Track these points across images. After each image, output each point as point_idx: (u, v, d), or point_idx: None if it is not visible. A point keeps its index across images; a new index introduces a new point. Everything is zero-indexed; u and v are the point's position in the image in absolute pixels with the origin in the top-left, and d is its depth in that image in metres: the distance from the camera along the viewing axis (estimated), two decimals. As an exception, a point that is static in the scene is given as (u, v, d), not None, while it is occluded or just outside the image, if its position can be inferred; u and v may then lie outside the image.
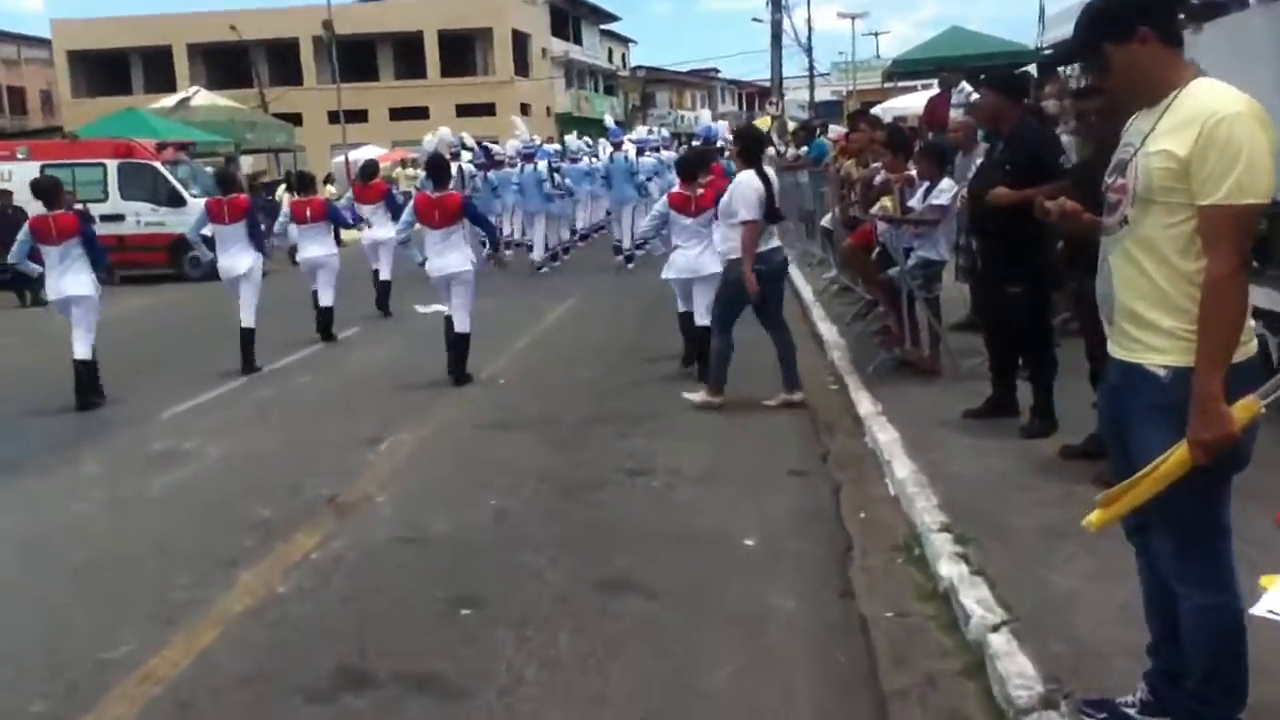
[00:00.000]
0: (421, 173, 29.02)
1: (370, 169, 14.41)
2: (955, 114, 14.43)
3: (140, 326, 13.59)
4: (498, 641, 4.10)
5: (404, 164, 31.62)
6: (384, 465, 6.60)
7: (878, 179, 8.01)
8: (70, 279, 8.48)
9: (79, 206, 17.26)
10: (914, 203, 7.59)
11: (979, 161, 7.53)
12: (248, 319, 9.74)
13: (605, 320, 12.20)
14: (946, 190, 7.31)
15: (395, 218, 11.30)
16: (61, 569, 5.09)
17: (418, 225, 8.81)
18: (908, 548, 4.92)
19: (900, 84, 27.40)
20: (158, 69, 49.98)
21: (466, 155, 18.69)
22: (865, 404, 7.07)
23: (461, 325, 8.78)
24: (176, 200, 18.78)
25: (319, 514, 5.72)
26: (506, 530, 5.37)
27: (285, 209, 13.17)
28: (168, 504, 6.05)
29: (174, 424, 7.92)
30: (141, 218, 19.18)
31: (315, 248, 11.41)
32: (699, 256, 8.29)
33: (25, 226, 8.72)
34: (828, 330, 9.78)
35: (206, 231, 10.25)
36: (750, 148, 7.65)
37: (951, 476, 5.51)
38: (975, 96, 16.05)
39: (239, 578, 4.84)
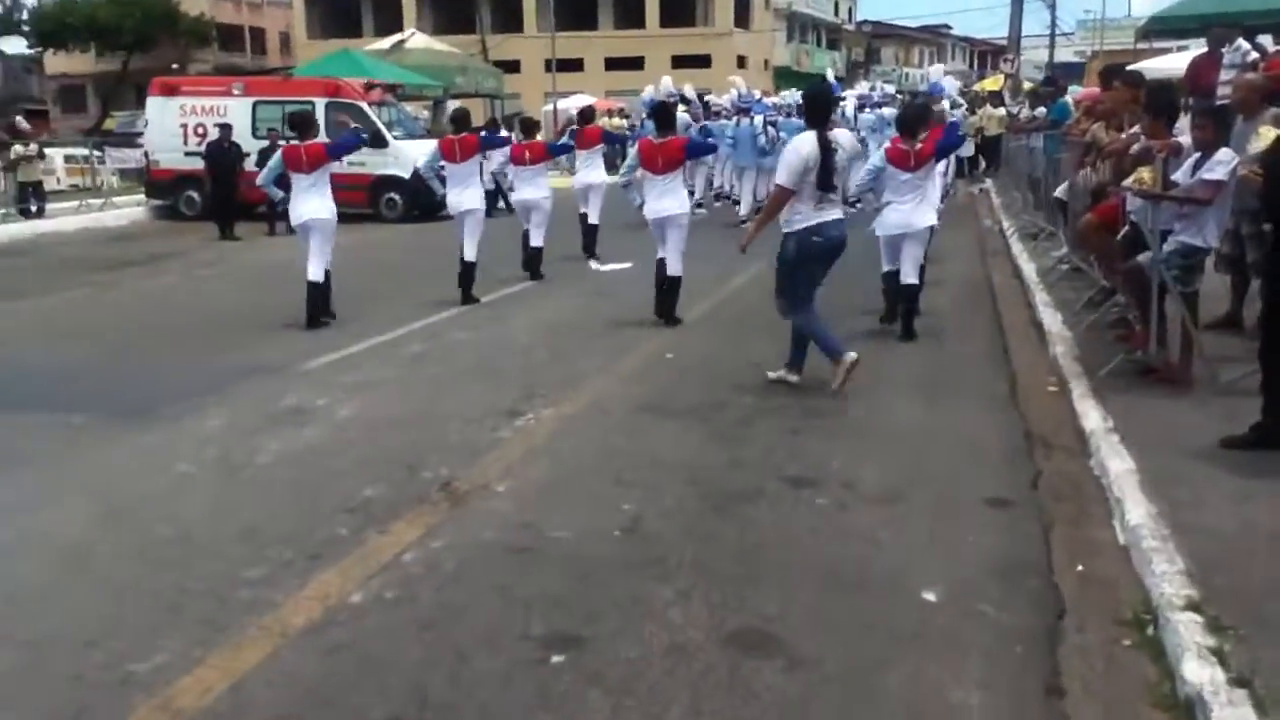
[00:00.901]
0: (624, 122, 28.48)
1: (588, 114, 14.77)
2: (1225, 76, 12.49)
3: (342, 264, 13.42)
4: (587, 707, 3.23)
5: (610, 114, 31.07)
6: (515, 447, 5.81)
7: (1135, 146, 6.55)
8: (315, 204, 9.03)
9: (228, 142, 17.61)
10: (1179, 176, 6.14)
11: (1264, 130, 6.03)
12: (470, 253, 10.23)
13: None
14: (1224, 162, 5.84)
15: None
16: (133, 546, 4.53)
17: (640, 170, 8.98)
18: (1139, 624, 3.74)
19: (1156, 44, 24.53)
20: (387, 12, 51.28)
21: (681, 109, 18.53)
22: (1093, 417, 5.76)
23: (674, 268, 9.01)
24: (379, 141, 18.69)
25: (428, 501, 4.98)
26: (634, 547, 4.47)
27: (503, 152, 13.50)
28: (274, 473, 5.47)
29: (316, 377, 7.42)
30: (345, 157, 19.23)
31: (531, 190, 11.68)
32: (912, 211, 8.24)
33: (278, 154, 9.38)
34: (1051, 320, 8.37)
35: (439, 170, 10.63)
36: (814, 109, 6.77)
37: (1203, 530, 4.25)
38: (1254, 55, 13.97)
39: (314, 577, 4.15)
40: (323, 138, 11.20)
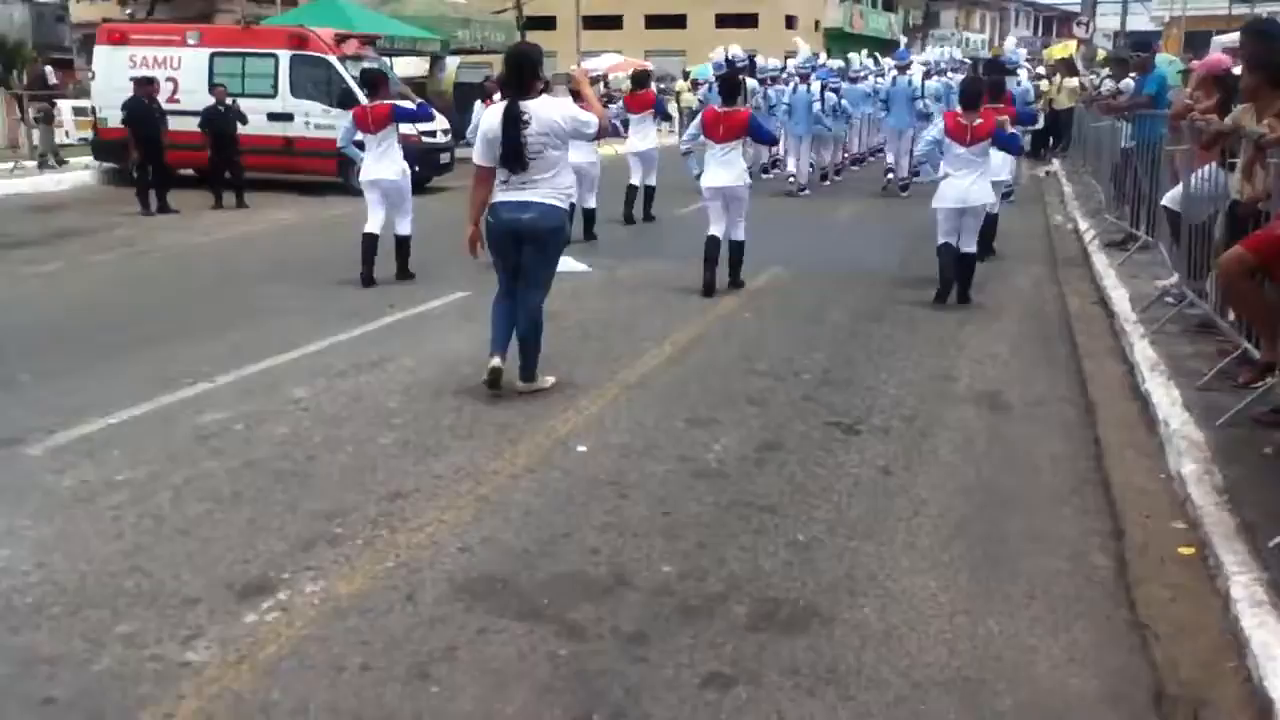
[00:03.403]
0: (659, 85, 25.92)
1: (641, 77, 14.28)
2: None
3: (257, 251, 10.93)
4: None
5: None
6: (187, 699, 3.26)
7: None
8: (382, 165, 9.08)
9: (224, 104, 15.24)
10: None
11: None
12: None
13: (834, 278, 9.84)
14: None
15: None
16: None
17: (702, 138, 8.93)
18: None
19: (1260, 6, 21.21)
20: (422, -37, 48.66)
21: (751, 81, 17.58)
22: (1247, 593, 3.13)
23: (738, 234, 9.04)
24: (349, 101, 16.08)
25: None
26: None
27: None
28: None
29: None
30: (311, 119, 16.80)
31: (576, 154, 10.50)
32: (971, 186, 8.38)
33: (351, 115, 9.38)
34: (1167, 402, 5.61)
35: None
36: (513, 73, 5.80)
37: None
38: None
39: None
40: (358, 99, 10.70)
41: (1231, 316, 6.33)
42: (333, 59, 16.64)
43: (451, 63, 24.35)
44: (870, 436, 5.38)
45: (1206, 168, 6.82)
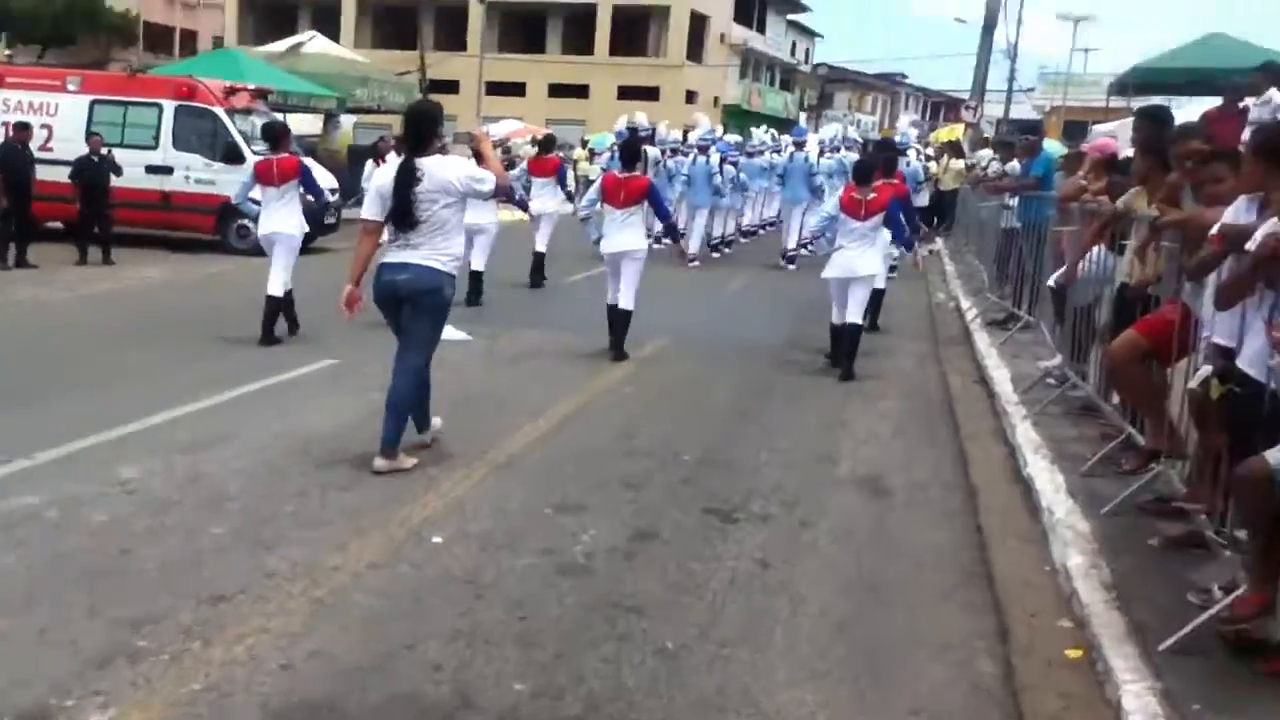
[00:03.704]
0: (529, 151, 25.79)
1: (546, 142, 14.52)
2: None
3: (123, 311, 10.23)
4: None
5: (533, 142, 28.22)
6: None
7: (1263, 233, 3.61)
8: (280, 217, 8.98)
9: (99, 154, 14.51)
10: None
11: None
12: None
13: (721, 350, 9.75)
14: None
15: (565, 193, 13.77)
16: None
17: (600, 204, 9.05)
18: None
19: (1134, 100, 22.07)
20: (325, 20, 47.99)
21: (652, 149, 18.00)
22: (1139, 703, 2.94)
23: (627, 303, 8.95)
24: (234, 156, 15.56)
25: None
26: None
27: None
28: None
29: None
30: (192, 173, 16.07)
31: (474, 214, 10.41)
32: (858, 258, 8.59)
33: (250, 166, 9.45)
34: (1051, 488, 5.47)
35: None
36: (410, 130, 5.72)
37: None
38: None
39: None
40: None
41: (1115, 400, 6.26)
42: (220, 111, 16.00)
43: (347, 121, 23.85)
44: (749, 525, 5.08)
45: (1095, 250, 6.81)
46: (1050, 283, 7.79)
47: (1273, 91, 11.18)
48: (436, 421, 6.08)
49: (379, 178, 5.69)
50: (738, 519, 5.15)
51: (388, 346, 5.94)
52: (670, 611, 4.06)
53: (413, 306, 5.61)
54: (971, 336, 10.66)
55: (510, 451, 6.07)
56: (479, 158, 6.03)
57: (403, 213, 5.48)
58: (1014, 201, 11.56)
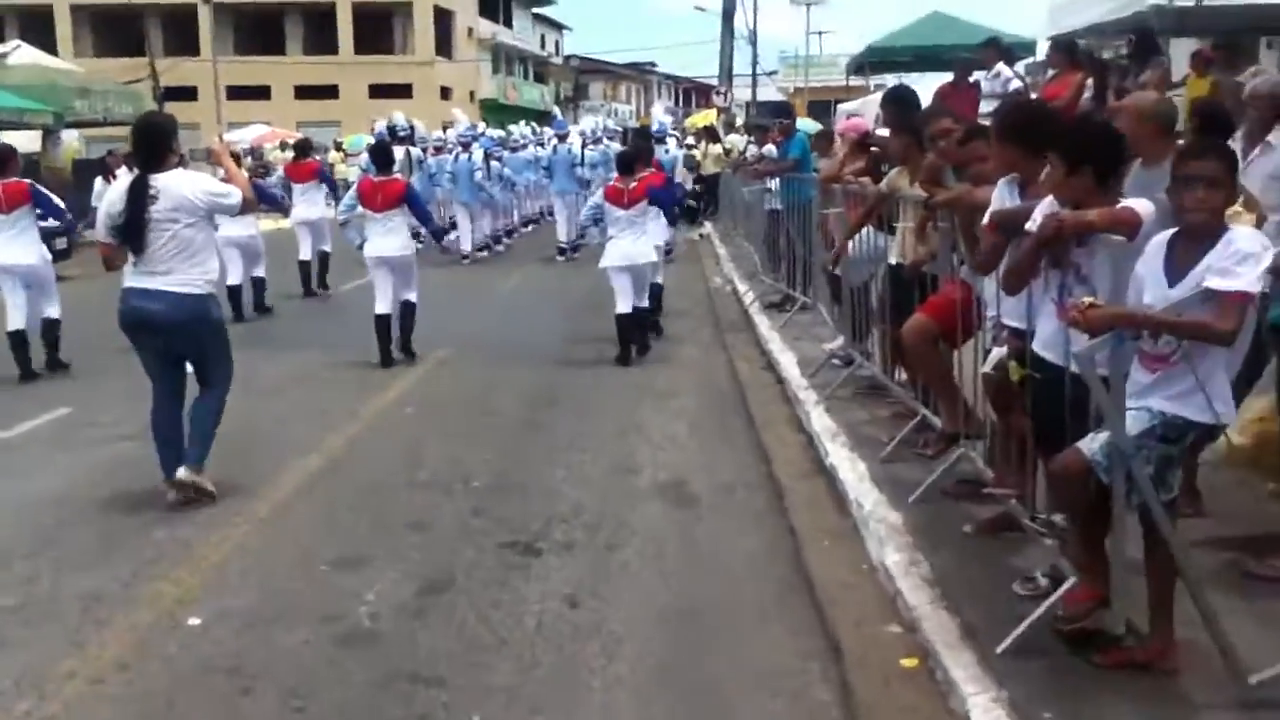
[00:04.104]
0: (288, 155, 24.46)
1: (303, 146, 14.31)
2: (988, 106, 10.28)
3: None
4: None
5: (283, 146, 26.80)
6: None
7: (1040, 213, 3.48)
8: (19, 247, 8.45)
9: None
10: (1149, 270, 3.19)
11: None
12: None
13: (503, 356, 9.18)
14: (1252, 254, 2.95)
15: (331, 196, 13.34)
16: None
17: (359, 208, 8.85)
18: None
19: (872, 79, 23.05)
20: (36, 29, 43.77)
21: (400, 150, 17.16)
22: (988, 717, 2.70)
23: (408, 295, 8.79)
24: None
25: None
26: None
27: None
28: None
29: None
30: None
31: (235, 227, 10.55)
32: (633, 245, 8.75)
33: None
34: (854, 478, 5.34)
35: None
36: (139, 144, 5.35)
37: None
38: (1016, 84, 11.80)
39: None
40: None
41: (901, 377, 6.24)
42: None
43: (69, 136, 21.71)
44: (552, 556, 4.67)
45: (864, 230, 6.77)
46: (835, 270, 7.74)
47: (1001, 65, 11.73)
48: (182, 472, 5.31)
49: (109, 195, 5.35)
50: (540, 550, 4.73)
51: (128, 389, 5.21)
52: (472, 676, 3.59)
53: (186, 339, 5.29)
54: (752, 321, 10.62)
55: (277, 500, 5.41)
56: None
57: (135, 234, 5.07)
58: (774, 184, 11.64)
